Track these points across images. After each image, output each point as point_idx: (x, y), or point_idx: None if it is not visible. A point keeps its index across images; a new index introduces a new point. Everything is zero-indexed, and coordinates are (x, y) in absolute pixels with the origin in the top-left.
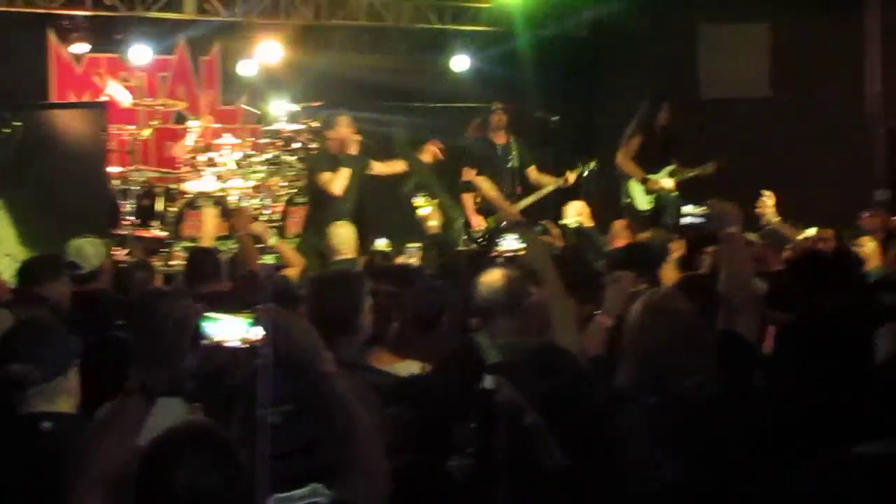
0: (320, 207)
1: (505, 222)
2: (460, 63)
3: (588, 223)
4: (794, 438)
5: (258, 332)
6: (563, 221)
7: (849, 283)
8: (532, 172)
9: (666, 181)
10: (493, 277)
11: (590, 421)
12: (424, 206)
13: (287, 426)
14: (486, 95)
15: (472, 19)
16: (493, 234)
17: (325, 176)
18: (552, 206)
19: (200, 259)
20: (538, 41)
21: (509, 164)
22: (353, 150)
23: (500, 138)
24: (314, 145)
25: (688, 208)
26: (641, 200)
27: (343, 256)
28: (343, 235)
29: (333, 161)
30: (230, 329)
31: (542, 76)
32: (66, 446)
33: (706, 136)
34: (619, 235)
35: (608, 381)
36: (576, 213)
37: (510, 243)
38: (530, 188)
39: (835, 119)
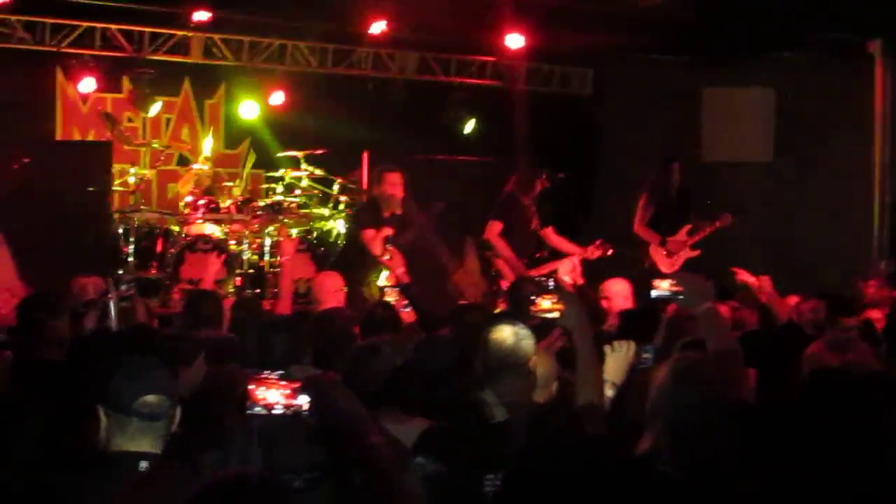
0: (353, 263)
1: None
2: (464, 119)
3: (580, 281)
4: None
5: (304, 400)
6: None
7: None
8: (550, 235)
9: (685, 241)
10: (502, 335)
11: (600, 487)
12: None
13: (309, 493)
14: (487, 150)
15: (476, 73)
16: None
17: (369, 233)
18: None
19: (201, 303)
20: (541, 98)
21: (532, 227)
22: (398, 209)
23: (526, 199)
24: (316, 191)
25: (658, 282)
26: (665, 263)
27: (325, 306)
28: (326, 285)
29: (378, 219)
30: (277, 395)
31: (543, 133)
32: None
33: (705, 200)
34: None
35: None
36: (569, 271)
37: (546, 303)
38: (550, 251)
39: (837, 187)
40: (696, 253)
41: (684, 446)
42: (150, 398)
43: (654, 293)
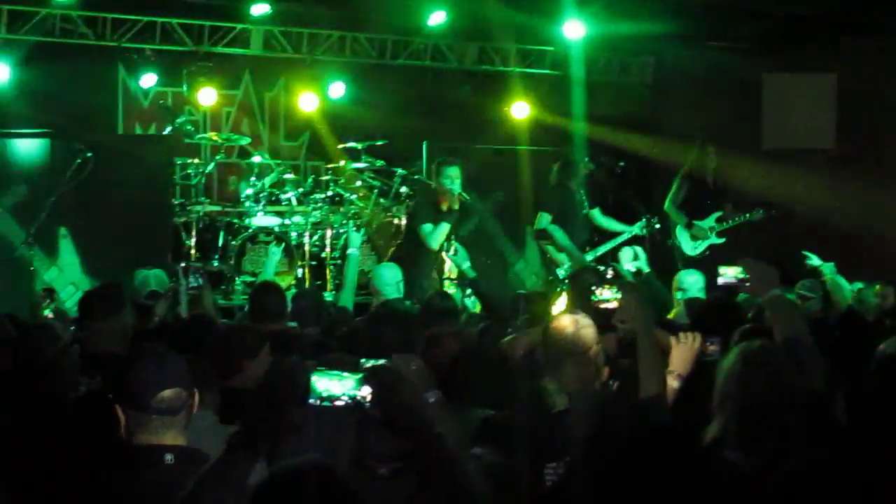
0: (411, 256)
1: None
2: (521, 108)
3: (645, 268)
4: None
5: (367, 391)
6: (621, 266)
7: None
8: (597, 216)
9: (711, 227)
10: (562, 324)
11: (666, 476)
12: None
13: (392, 481)
14: (546, 140)
15: (535, 63)
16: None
17: (427, 228)
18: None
19: (266, 296)
20: (601, 87)
21: (584, 212)
22: (456, 205)
23: (573, 185)
24: (377, 182)
25: (724, 269)
26: (688, 246)
27: (383, 298)
28: (385, 277)
29: (436, 214)
30: (339, 386)
31: (603, 122)
32: (184, 481)
33: (766, 187)
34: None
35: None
36: (633, 258)
37: (606, 293)
38: (602, 234)
39: None
40: (720, 241)
41: (752, 433)
42: (167, 393)
43: (720, 280)
